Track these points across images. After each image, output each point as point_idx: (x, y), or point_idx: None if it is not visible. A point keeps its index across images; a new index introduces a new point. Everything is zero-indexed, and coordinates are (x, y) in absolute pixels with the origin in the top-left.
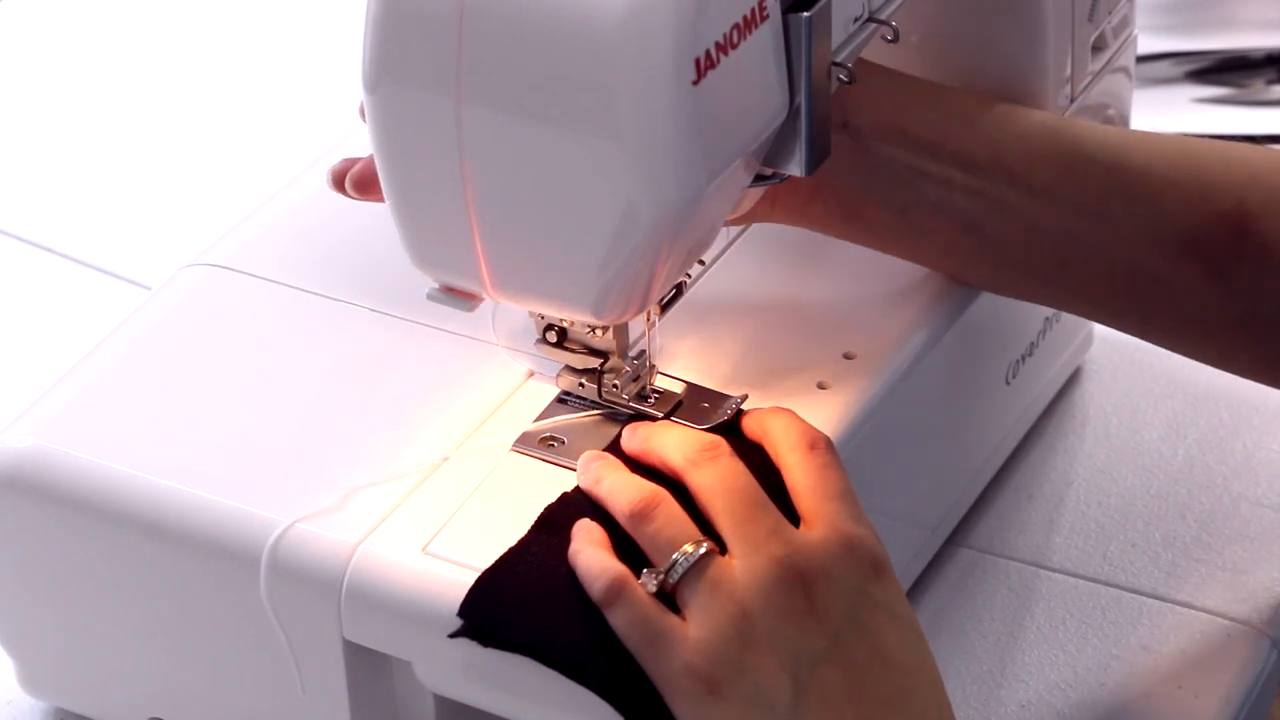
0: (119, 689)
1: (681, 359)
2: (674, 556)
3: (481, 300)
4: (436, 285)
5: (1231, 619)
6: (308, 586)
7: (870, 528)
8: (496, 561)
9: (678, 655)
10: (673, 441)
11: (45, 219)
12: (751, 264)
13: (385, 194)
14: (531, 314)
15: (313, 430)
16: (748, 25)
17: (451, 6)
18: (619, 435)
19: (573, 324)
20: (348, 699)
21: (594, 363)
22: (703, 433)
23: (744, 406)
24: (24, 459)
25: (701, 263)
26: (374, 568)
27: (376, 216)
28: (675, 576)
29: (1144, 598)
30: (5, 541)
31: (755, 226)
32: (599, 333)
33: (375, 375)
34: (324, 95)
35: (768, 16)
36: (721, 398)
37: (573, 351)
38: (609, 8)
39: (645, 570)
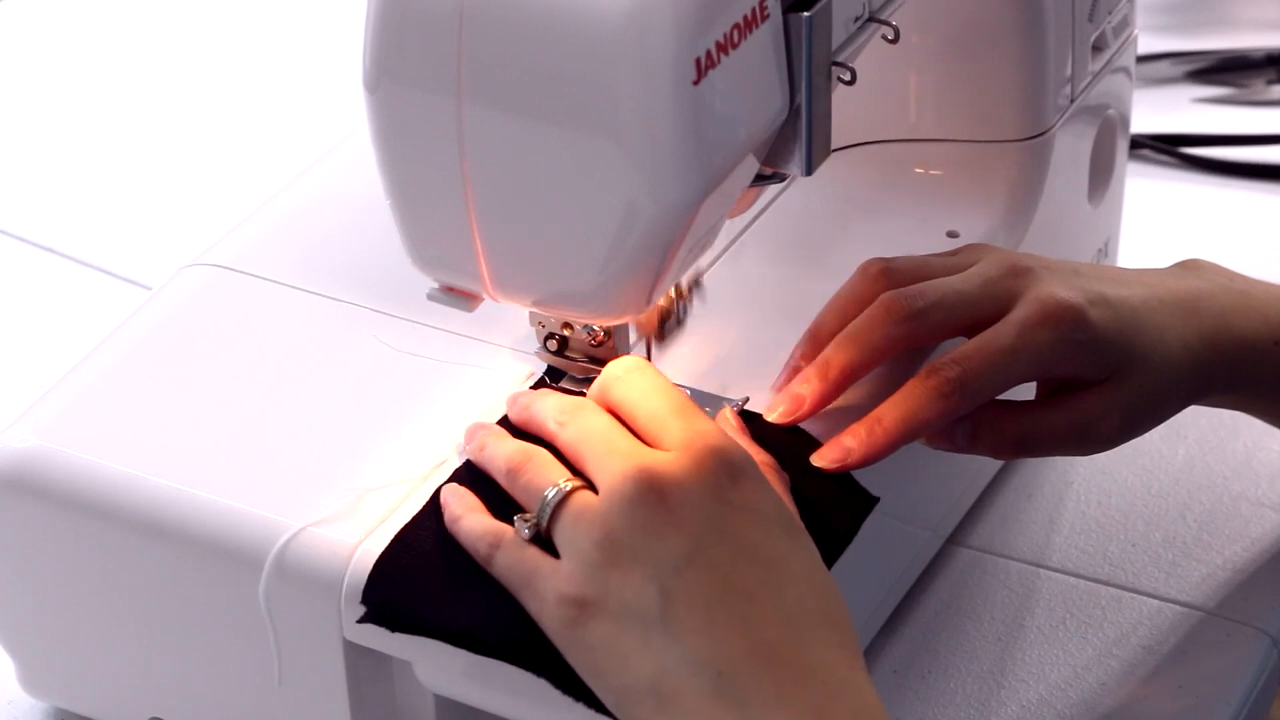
0: (119, 689)
1: (681, 360)
2: (541, 495)
3: (481, 300)
4: (436, 285)
5: (1231, 619)
6: (308, 587)
7: (721, 435)
8: (390, 543)
9: (550, 587)
10: (544, 405)
11: (45, 219)
12: (751, 264)
13: (385, 194)
14: (532, 322)
15: (312, 431)
16: (748, 25)
17: (451, 6)
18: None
19: (573, 332)
20: (348, 699)
21: (594, 371)
22: (574, 396)
23: (746, 408)
24: (24, 459)
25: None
26: None
27: (377, 217)
28: (544, 517)
29: (1144, 598)
30: (5, 541)
31: (755, 226)
32: (597, 334)
33: (375, 376)
34: (324, 95)
35: (768, 16)
36: (723, 402)
37: (573, 360)
38: (609, 7)
39: (517, 517)
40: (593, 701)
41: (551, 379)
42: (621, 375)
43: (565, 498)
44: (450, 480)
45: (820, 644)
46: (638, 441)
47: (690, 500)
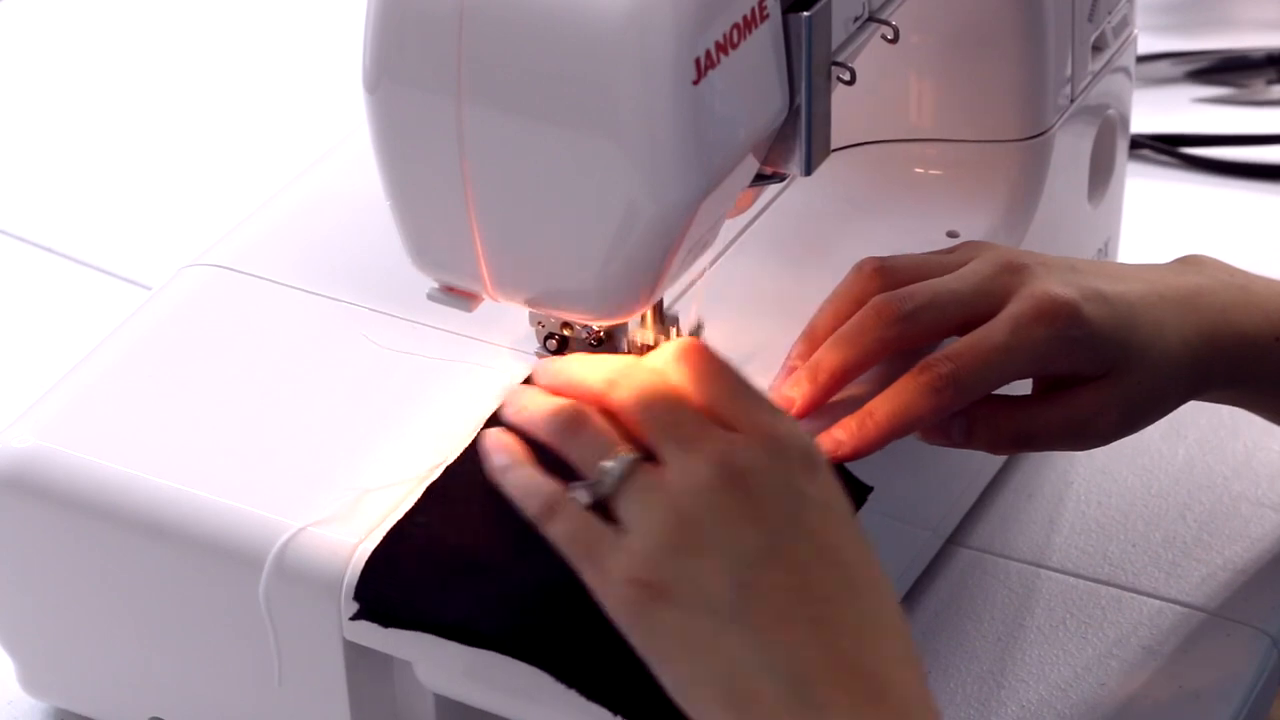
0: (119, 689)
1: None
2: (603, 464)
3: (481, 300)
4: (436, 285)
5: (1231, 619)
6: (308, 587)
7: (791, 420)
8: (382, 540)
9: (617, 564)
10: (586, 366)
11: (45, 219)
12: (751, 264)
13: (385, 194)
14: (531, 322)
15: (312, 431)
16: (748, 25)
17: (451, 6)
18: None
19: (573, 332)
20: (348, 699)
21: None
22: (615, 356)
23: None
24: (24, 459)
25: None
26: None
27: (377, 217)
28: (607, 486)
29: (1144, 598)
30: (5, 541)
31: (755, 226)
32: (597, 334)
33: (375, 376)
34: (324, 95)
35: (768, 16)
36: None
37: None
38: (609, 7)
39: (574, 484)
40: (591, 693)
41: None
42: (681, 354)
43: (630, 467)
44: (443, 475)
45: (892, 657)
46: (705, 416)
47: (770, 490)
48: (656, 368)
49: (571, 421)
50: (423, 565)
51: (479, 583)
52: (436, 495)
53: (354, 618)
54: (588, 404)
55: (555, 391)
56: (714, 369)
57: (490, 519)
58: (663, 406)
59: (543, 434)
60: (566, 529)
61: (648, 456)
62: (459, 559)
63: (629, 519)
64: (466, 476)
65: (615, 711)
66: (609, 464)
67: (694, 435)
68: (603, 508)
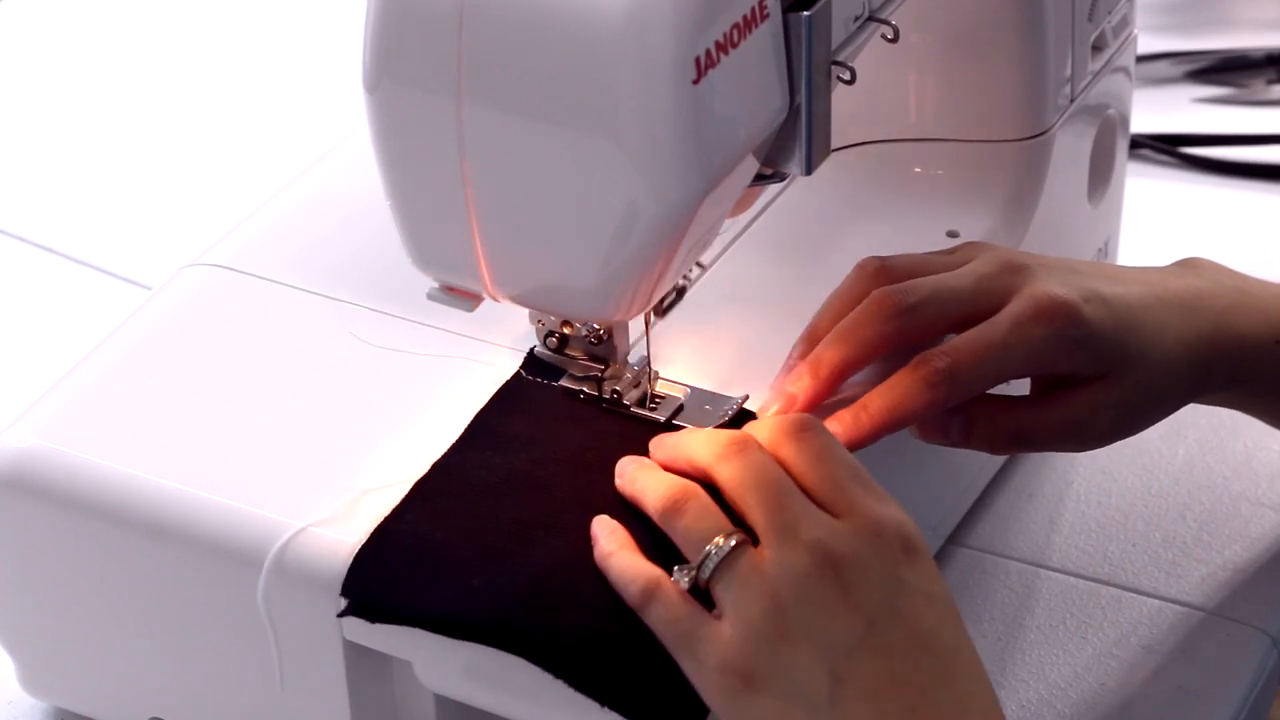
0: (119, 689)
1: (681, 361)
2: (705, 549)
3: (481, 300)
4: (436, 285)
5: (1231, 619)
6: (308, 587)
7: (895, 504)
8: (370, 535)
9: (712, 652)
10: (699, 441)
11: (45, 219)
12: (751, 264)
13: (385, 194)
14: (532, 321)
15: (312, 431)
16: (748, 25)
17: (451, 6)
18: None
19: (573, 331)
20: (348, 699)
21: (595, 369)
22: (730, 431)
23: (745, 406)
24: (24, 459)
25: (701, 265)
26: None
27: (377, 217)
28: (708, 571)
29: (1144, 598)
30: (5, 541)
31: (755, 226)
32: (597, 332)
33: (375, 376)
34: (324, 95)
35: (768, 16)
36: (722, 399)
37: (573, 358)
38: (609, 7)
39: (677, 567)
40: (577, 684)
41: (528, 370)
42: (795, 431)
43: (730, 553)
44: (431, 471)
45: None
46: (808, 501)
47: (866, 578)
48: (767, 446)
49: (677, 502)
50: (410, 560)
51: (465, 576)
52: (425, 492)
53: (343, 614)
54: (698, 481)
55: (667, 466)
56: (823, 450)
57: (477, 515)
58: (768, 490)
59: (650, 512)
60: (664, 615)
61: (753, 539)
62: (446, 554)
63: (725, 605)
64: (454, 473)
65: (603, 703)
66: (710, 548)
67: (794, 521)
68: (707, 593)
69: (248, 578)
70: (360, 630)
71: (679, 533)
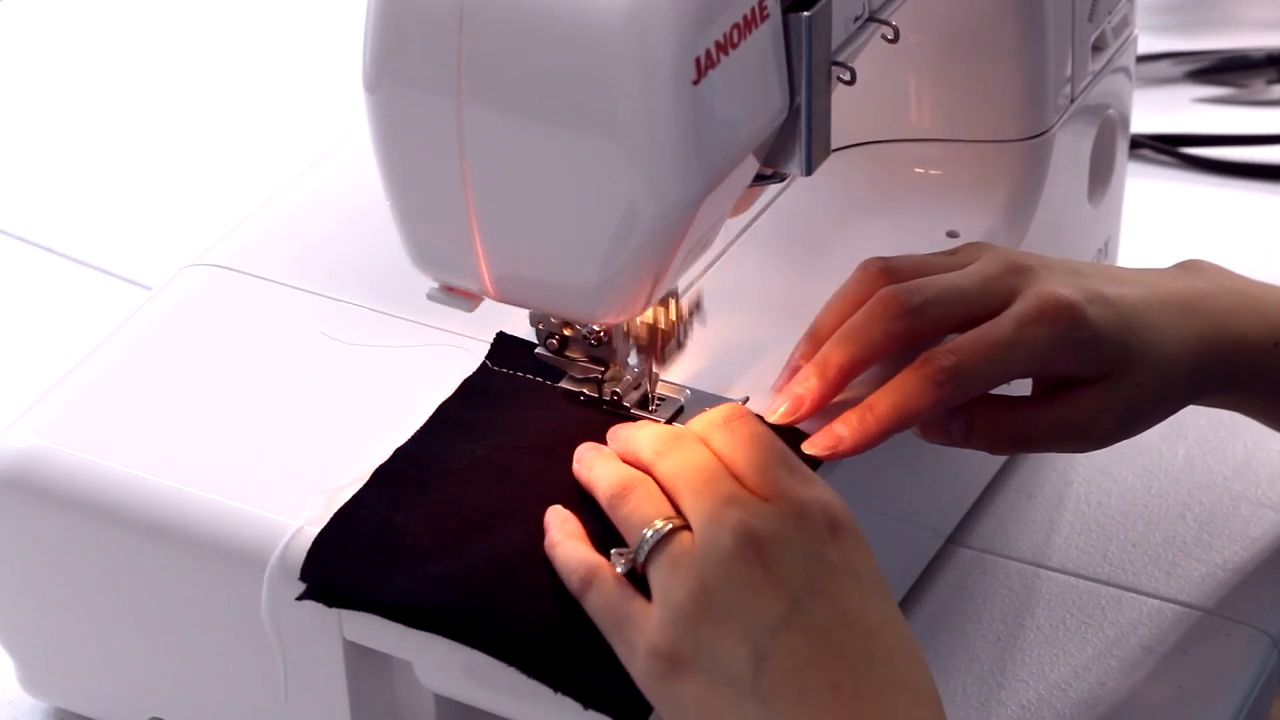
0: (119, 689)
1: (681, 361)
2: (641, 532)
3: (481, 300)
4: (436, 285)
5: (1231, 619)
6: None
7: (823, 486)
8: (331, 520)
9: (641, 636)
10: (643, 436)
11: (45, 219)
12: (751, 264)
13: (385, 194)
14: (532, 322)
15: (313, 431)
16: (748, 25)
17: (451, 6)
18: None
19: (574, 332)
20: (348, 699)
21: (595, 371)
22: (673, 426)
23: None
24: (24, 459)
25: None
26: None
27: (377, 216)
28: (643, 555)
29: (1144, 598)
30: (5, 541)
31: (755, 226)
32: (598, 334)
33: (376, 376)
34: (324, 95)
35: (768, 16)
36: (722, 402)
37: (573, 360)
38: (609, 7)
39: (614, 551)
40: (530, 671)
41: (494, 360)
42: (723, 421)
43: (664, 538)
44: (393, 458)
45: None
46: (738, 485)
47: (789, 558)
48: (700, 436)
49: (621, 489)
50: (369, 547)
51: (424, 563)
52: (384, 478)
53: (300, 598)
54: (644, 471)
55: (621, 457)
56: (750, 437)
57: (439, 502)
58: (697, 477)
59: (599, 499)
60: (599, 602)
61: (688, 524)
62: (403, 540)
63: (656, 589)
64: (417, 459)
65: (556, 689)
66: (646, 531)
67: (721, 504)
68: (640, 575)
69: (248, 578)
70: (360, 630)
71: (622, 519)
